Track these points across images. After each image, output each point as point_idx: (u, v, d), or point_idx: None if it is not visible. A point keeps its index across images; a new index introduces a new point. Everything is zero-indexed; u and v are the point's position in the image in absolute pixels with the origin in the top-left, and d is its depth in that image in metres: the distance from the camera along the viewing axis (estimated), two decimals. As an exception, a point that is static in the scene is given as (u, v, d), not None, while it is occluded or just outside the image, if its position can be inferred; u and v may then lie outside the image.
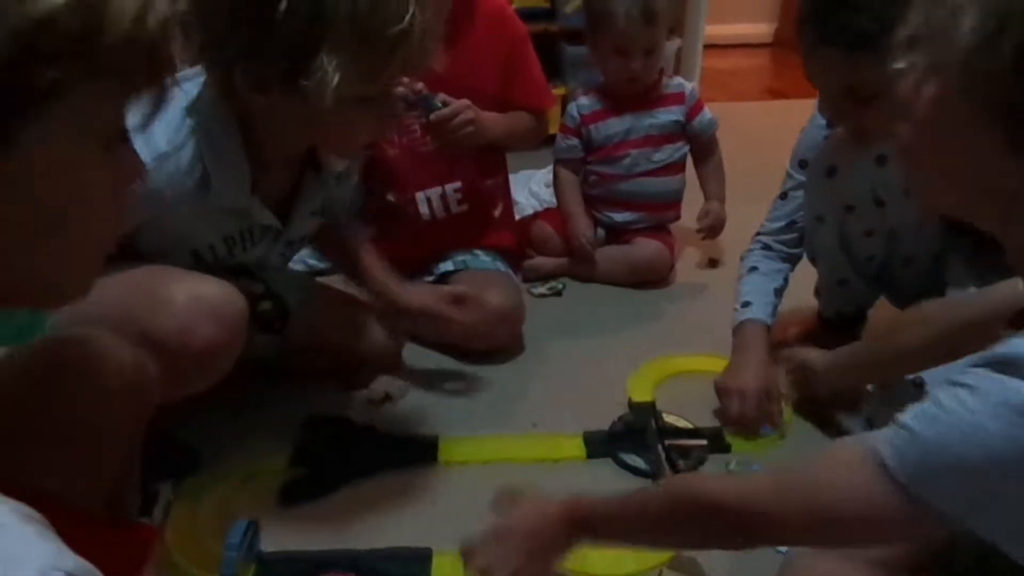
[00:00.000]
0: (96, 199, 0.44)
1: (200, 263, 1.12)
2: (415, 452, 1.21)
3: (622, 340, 1.54)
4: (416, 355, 1.44)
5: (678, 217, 1.82)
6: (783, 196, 1.40)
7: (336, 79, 0.91)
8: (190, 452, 1.16)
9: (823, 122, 1.29)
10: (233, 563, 0.90)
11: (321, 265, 1.56)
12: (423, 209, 1.53)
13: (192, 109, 1.00)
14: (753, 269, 1.39)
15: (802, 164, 1.34)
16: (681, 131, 1.74)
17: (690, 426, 1.28)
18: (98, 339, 0.67)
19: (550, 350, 1.50)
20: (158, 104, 0.44)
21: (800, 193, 1.35)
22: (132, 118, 0.43)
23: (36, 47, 0.36)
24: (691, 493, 0.71)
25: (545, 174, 1.95)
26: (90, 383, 0.64)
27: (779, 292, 1.37)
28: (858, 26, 1.01)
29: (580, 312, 1.65)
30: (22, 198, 0.39)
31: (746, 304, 1.34)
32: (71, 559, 0.37)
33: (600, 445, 1.24)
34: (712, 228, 1.75)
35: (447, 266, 1.54)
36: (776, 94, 3.18)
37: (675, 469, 1.17)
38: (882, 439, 0.57)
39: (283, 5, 0.88)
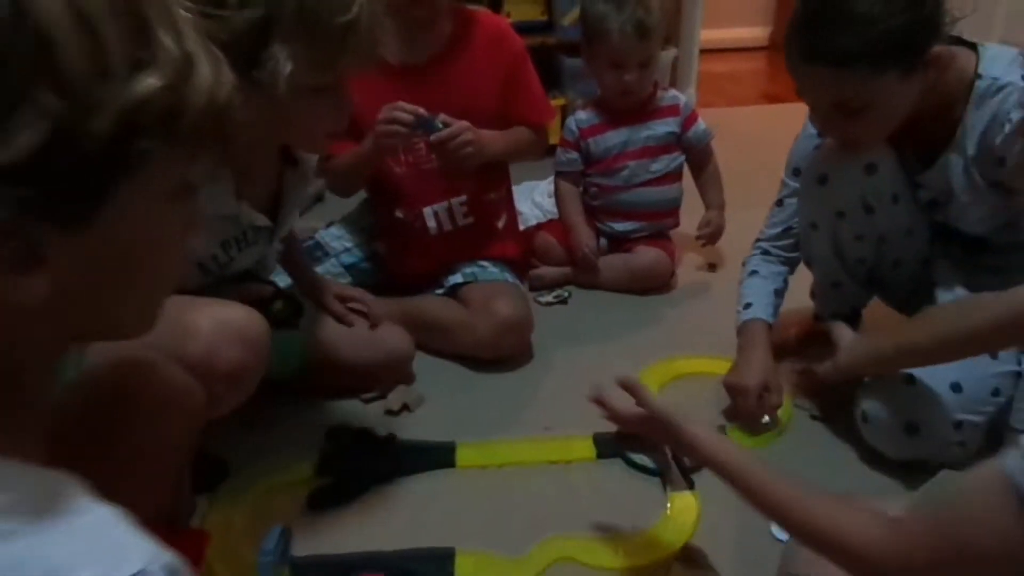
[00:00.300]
0: (167, 248, 0.50)
1: (207, 275, 1.17)
2: (434, 458, 1.27)
3: (626, 344, 1.59)
4: (430, 366, 1.50)
5: (677, 224, 1.87)
6: (779, 203, 1.45)
7: (288, 69, 0.96)
8: (220, 465, 1.21)
9: (815, 132, 1.33)
10: (270, 568, 0.95)
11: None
12: (430, 223, 1.57)
13: None
14: (753, 273, 1.44)
15: (796, 172, 1.39)
16: (677, 142, 1.79)
17: (695, 426, 1.33)
18: (157, 365, 0.73)
19: (557, 356, 1.55)
20: (221, 158, 0.50)
21: (795, 200, 1.40)
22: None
23: (135, 123, 0.42)
24: (819, 528, 0.71)
25: (548, 185, 1.99)
26: (153, 405, 0.70)
27: (779, 293, 1.43)
28: (841, 45, 1.06)
29: (585, 319, 1.70)
30: (105, 252, 0.44)
31: (748, 305, 1.40)
32: (167, 554, 0.43)
33: (609, 446, 1.27)
34: (712, 236, 1.81)
35: (456, 279, 1.58)
36: (772, 98, 3.22)
37: (680, 467, 1.22)
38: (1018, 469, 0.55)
39: None
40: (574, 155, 1.81)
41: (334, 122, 1.14)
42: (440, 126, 1.41)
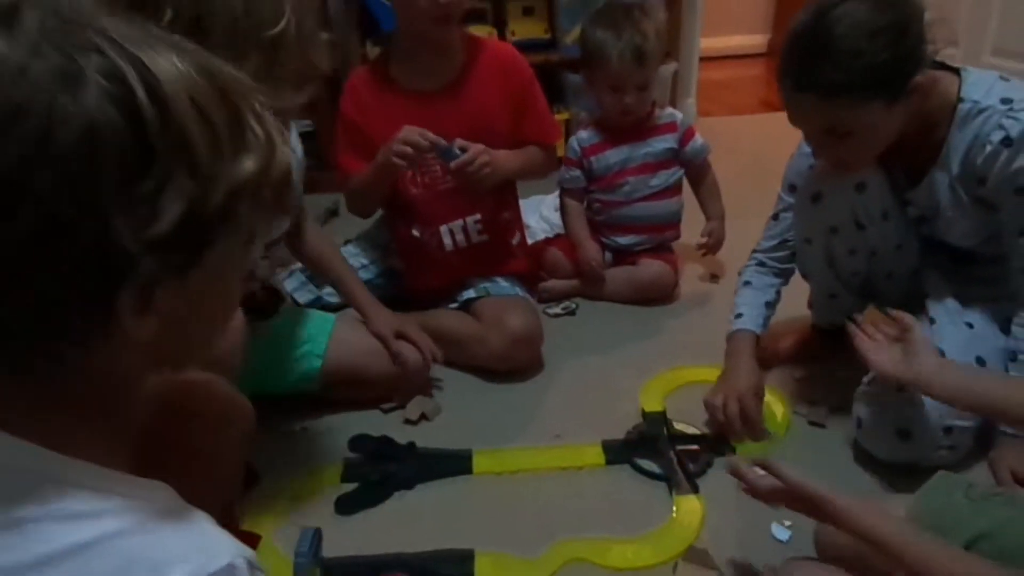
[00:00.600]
0: (235, 288, 0.58)
1: None
2: (451, 465, 1.33)
3: (632, 355, 1.65)
4: (447, 377, 1.56)
5: (678, 236, 1.93)
6: (775, 217, 1.52)
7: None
8: (251, 473, 1.27)
9: (809, 150, 1.37)
10: (305, 568, 1.02)
11: (334, 300, 1.67)
12: (447, 241, 1.64)
13: None
14: (747, 283, 1.51)
15: (791, 188, 1.45)
16: (675, 157, 1.85)
17: (698, 432, 1.39)
18: (214, 382, 0.81)
19: (566, 367, 1.61)
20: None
21: (790, 214, 1.46)
22: None
23: (237, 195, 0.50)
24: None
25: (554, 199, 2.04)
26: (218, 418, 0.78)
27: (770, 304, 1.49)
28: (828, 77, 1.13)
29: (592, 330, 1.76)
30: (199, 291, 0.52)
31: (738, 316, 1.46)
32: (248, 550, 0.51)
33: (618, 452, 1.34)
34: (713, 246, 1.87)
35: (469, 293, 1.64)
36: (771, 106, 3.23)
37: (686, 472, 1.29)
38: None
39: (168, 15, 0.91)
40: (577, 172, 1.88)
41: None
42: (458, 153, 1.47)
